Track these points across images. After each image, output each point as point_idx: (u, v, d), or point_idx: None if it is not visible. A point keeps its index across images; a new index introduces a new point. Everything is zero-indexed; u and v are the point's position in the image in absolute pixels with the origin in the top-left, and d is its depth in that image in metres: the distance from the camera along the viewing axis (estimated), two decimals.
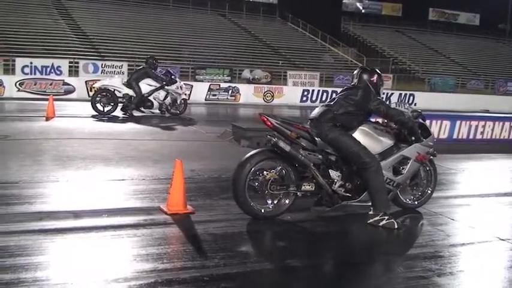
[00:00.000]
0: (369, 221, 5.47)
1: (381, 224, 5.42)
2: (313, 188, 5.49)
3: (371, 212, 5.50)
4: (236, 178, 5.26)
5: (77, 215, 5.25)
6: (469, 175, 9.17)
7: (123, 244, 4.57)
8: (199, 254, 4.41)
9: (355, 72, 5.97)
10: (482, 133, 13.13)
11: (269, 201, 5.44)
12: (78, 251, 4.34)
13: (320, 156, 5.50)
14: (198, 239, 4.81)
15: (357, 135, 5.62)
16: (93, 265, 4.06)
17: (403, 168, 5.81)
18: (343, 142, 5.45)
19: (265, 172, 5.34)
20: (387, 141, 5.80)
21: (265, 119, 5.42)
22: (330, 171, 5.53)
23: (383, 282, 4.27)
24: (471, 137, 13.02)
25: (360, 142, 5.51)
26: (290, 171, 5.44)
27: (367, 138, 5.66)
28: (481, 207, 6.78)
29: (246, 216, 5.40)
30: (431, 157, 6.13)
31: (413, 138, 5.85)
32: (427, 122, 7.06)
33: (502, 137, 13.36)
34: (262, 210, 5.41)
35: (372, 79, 5.81)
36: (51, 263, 4.06)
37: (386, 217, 5.44)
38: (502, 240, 5.27)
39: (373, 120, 6.10)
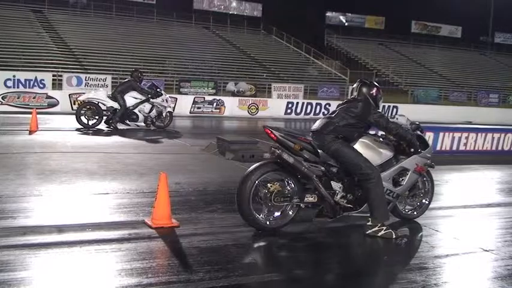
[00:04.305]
0: (367, 232, 5.50)
1: (379, 234, 5.45)
2: (316, 200, 5.52)
3: (369, 223, 5.52)
4: (241, 190, 5.27)
5: (60, 229, 5.20)
6: (453, 186, 9.24)
7: (108, 258, 4.53)
8: (184, 268, 4.39)
9: (355, 85, 6.05)
10: (465, 144, 13.27)
11: (274, 213, 5.45)
12: (62, 265, 4.29)
13: (322, 168, 5.55)
14: (183, 253, 4.78)
15: (358, 147, 5.70)
16: (77, 280, 4.02)
17: (402, 180, 5.88)
18: (345, 154, 5.52)
19: (269, 184, 5.36)
20: (387, 153, 5.88)
21: (269, 132, 5.47)
22: (332, 182, 5.57)
23: None
24: (454, 148, 13.16)
25: (361, 154, 5.57)
26: (293, 183, 5.47)
27: (368, 150, 5.73)
28: (464, 219, 6.83)
29: (231, 230, 5.40)
30: (429, 168, 6.20)
31: (412, 150, 5.92)
32: None
33: (484, 149, 13.52)
34: (268, 222, 5.42)
35: (371, 92, 5.91)
36: (35, 278, 4.01)
37: (384, 228, 5.48)
38: (486, 251, 5.31)
39: (372, 132, 6.18)
